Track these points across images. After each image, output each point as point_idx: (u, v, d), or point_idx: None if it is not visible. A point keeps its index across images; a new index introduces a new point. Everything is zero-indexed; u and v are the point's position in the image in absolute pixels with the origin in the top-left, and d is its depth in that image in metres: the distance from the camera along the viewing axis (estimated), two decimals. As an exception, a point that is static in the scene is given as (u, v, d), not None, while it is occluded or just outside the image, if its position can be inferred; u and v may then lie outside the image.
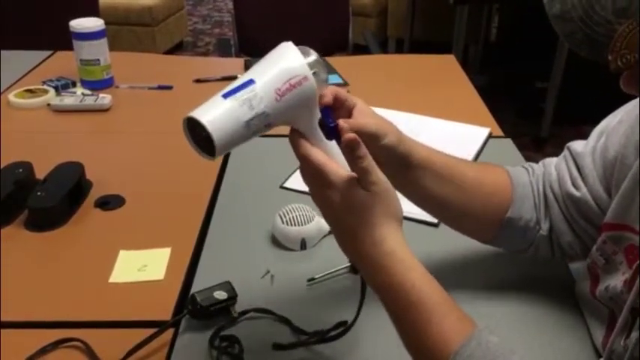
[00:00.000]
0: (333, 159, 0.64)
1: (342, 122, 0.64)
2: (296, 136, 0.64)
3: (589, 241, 0.80)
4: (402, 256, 0.62)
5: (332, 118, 0.64)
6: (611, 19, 0.52)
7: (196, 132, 0.60)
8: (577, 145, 0.83)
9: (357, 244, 0.63)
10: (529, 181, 0.84)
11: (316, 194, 0.65)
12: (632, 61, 0.52)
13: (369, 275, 0.64)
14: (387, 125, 0.72)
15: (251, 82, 0.60)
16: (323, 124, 0.64)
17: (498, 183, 0.83)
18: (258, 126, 0.61)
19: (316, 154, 0.63)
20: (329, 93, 0.67)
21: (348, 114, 0.69)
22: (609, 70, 0.54)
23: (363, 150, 0.61)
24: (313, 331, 0.79)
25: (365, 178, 0.62)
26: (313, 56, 0.63)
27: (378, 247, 0.62)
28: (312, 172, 0.63)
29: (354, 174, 0.62)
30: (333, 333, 0.77)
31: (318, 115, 0.64)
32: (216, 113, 0.59)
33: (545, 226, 0.82)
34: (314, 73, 0.63)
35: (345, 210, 0.62)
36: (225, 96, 0.59)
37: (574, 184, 0.80)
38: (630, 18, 0.50)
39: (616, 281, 0.71)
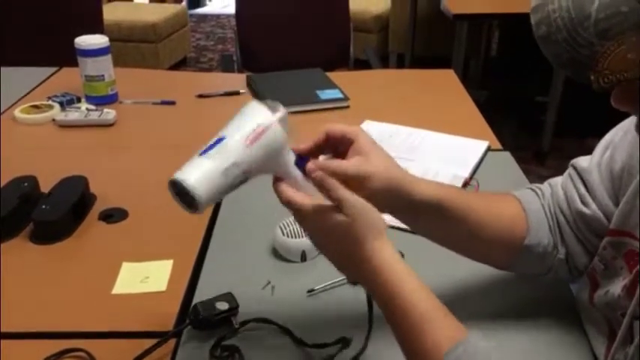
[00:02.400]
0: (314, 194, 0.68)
1: (310, 165, 0.68)
2: (277, 185, 0.69)
3: None
4: (394, 267, 0.65)
5: (302, 163, 0.70)
6: (593, 41, 0.54)
7: (182, 190, 0.65)
8: (581, 162, 0.82)
9: (351, 265, 0.67)
10: (541, 205, 0.83)
11: (307, 229, 0.70)
12: (613, 80, 0.55)
13: (369, 290, 0.67)
14: (377, 169, 0.70)
15: (222, 138, 0.66)
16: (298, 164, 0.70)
17: (512, 215, 0.82)
18: (236, 175, 0.66)
19: (292, 194, 0.67)
20: (321, 136, 0.71)
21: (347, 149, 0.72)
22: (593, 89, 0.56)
23: (329, 183, 0.65)
24: (313, 344, 0.80)
25: (342, 206, 0.65)
26: (281, 111, 0.68)
27: (369, 263, 0.65)
28: (294, 211, 0.68)
29: (325, 203, 0.66)
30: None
31: (293, 157, 0.70)
32: (196, 171, 0.65)
33: (562, 250, 0.82)
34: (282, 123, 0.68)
35: (330, 236, 0.67)
36: (202, 154, 0.66)
37: (583, 202, 0.79)
38: (611, 40, 0.53)
39: (616, 287, 0.72)
